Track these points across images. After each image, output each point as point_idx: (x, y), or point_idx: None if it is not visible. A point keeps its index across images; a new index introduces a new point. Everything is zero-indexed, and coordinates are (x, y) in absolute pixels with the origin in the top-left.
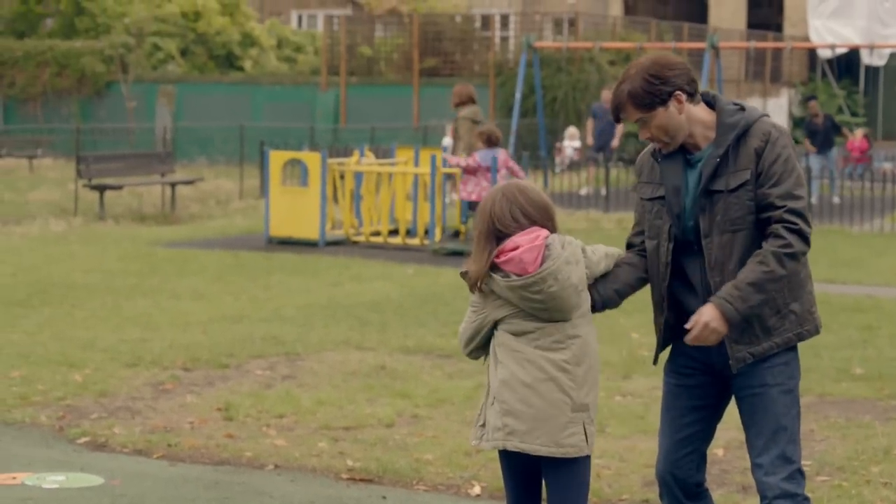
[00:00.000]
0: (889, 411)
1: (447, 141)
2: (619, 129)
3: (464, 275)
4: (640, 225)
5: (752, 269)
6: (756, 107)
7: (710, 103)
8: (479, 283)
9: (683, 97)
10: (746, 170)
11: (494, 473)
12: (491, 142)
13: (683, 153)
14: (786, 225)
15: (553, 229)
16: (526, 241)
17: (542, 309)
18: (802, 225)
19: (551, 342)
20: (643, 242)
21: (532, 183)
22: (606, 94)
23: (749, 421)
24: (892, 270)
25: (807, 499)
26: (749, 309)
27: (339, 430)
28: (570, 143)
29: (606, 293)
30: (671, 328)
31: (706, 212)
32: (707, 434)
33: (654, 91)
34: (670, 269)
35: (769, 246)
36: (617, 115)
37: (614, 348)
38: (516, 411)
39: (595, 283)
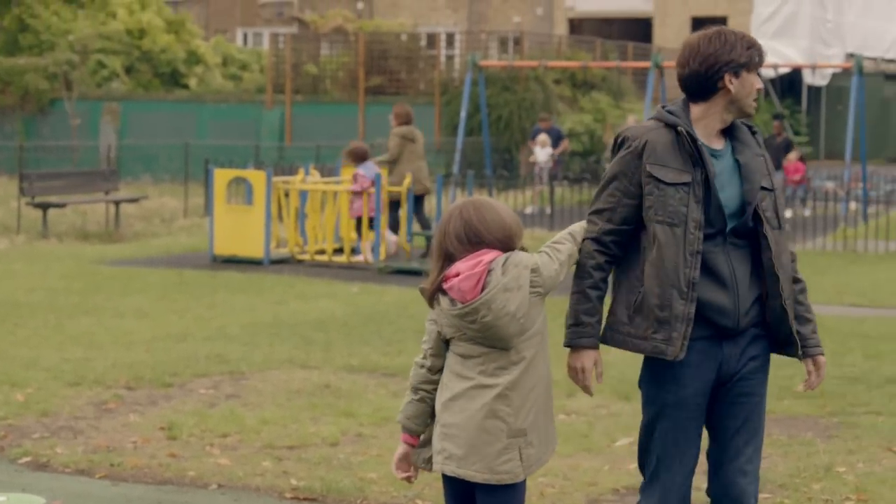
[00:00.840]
0: (830, 429)
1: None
2: (564, 146)
3: (422, 290)
4: (618, 215)
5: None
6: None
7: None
8: (431, 302)
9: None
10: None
11: (438, 492)
12: (361, 157)
13: (696, 142)
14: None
15: (510, 248)
16: (466, 269)
17: (481, 337)
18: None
19: (494, 368)
20: (614, 242)
21: (494, 200)
22: (543, 124)
23: (742, 427)
24: (834, 289)
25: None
26: None
27: (283, 448)
28: (542, 150)
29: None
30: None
31: (764, 208)
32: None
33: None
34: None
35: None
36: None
37: (558, 366)
38: (453, 436)
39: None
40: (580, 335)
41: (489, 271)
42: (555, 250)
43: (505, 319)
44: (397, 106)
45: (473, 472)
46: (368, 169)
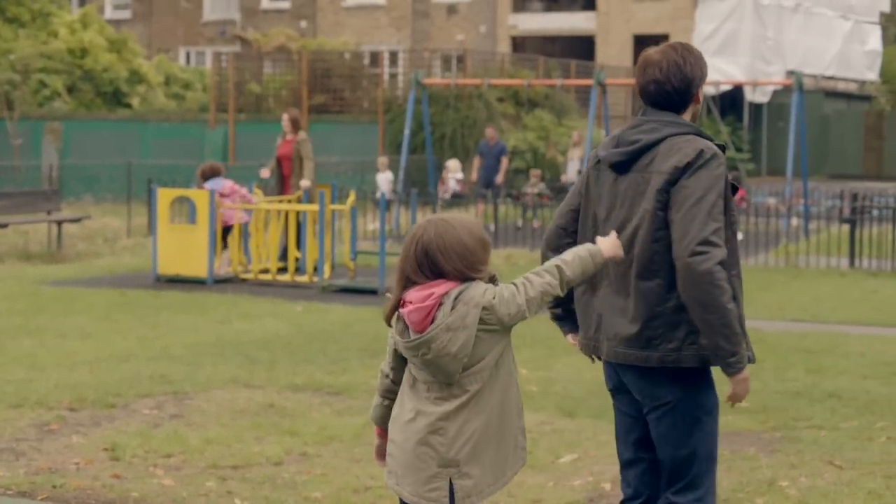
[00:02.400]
0: (773, 443)
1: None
2: (504, 165)
3: (385, 309)
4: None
5: None
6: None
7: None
8: (388, 321)
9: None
10: None
11: None
12: (206, 176)
13: None
14: None
15: (469, 277)
16: (417, 300)
17: (425, 368)
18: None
19: (436, 397)
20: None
21: (461, 218)
22: (490, 132)
23: None
24: (776, 304)
25: None
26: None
27: (227, 468)
28: (453, 175)
29: None
30: None
31: None
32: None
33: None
34: None
35: None
36: None
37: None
38: (395, 454)
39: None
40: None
41: (440, 305)
42: (527, 284)
43: (445, 359)
44: (296, 111)
45: (406, 493)
46: (215, 184)
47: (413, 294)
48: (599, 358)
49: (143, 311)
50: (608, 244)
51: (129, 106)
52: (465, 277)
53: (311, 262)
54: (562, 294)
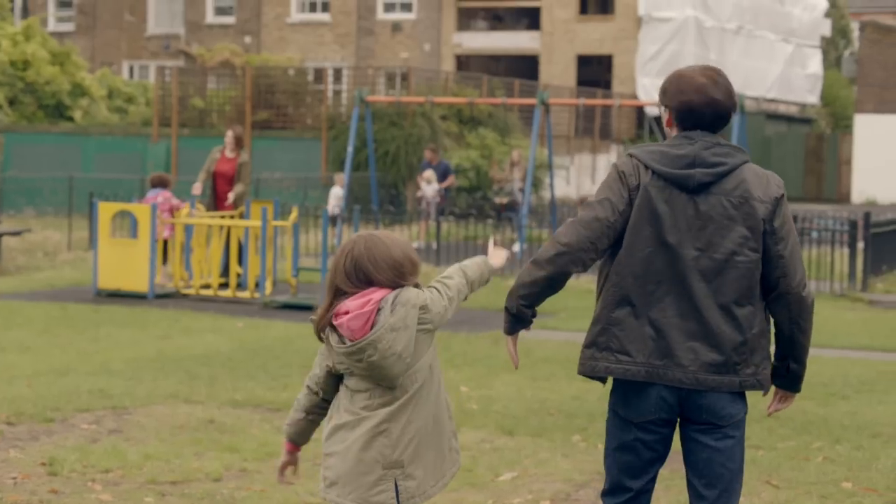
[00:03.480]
0: None
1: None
2: (450, 182)
3: (313, 321)
4: None
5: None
6: (657, 143)
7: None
8: (319, 334)
9: (667, 116)
10: None
11: None
12: (154, 184)
13: None
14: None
15: (400, 285)
16: (355, 308)
17: (368, 375)
18: (561, 230)
19: (379, 403)
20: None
21: (389, 235)
22: (429, 154)
23: None
24: None
25: None
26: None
27: (167, 484)
28: (429, 186)
29: None
30: None
31: None
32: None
33: (661, 90)
34: None
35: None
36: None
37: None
38: (335, 465)
39: None
40: None
41: (378, 310)
42: (444, 286)
43: (391, 359)
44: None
45: (350, 499)
46: (152, 193)
47: (349, 303)
48: (659, 384)
49: (83, 326)
50: (499, 258)
51: (71, 119)
52: (396, 284)
53: (253, 278)
54: (469, 293)
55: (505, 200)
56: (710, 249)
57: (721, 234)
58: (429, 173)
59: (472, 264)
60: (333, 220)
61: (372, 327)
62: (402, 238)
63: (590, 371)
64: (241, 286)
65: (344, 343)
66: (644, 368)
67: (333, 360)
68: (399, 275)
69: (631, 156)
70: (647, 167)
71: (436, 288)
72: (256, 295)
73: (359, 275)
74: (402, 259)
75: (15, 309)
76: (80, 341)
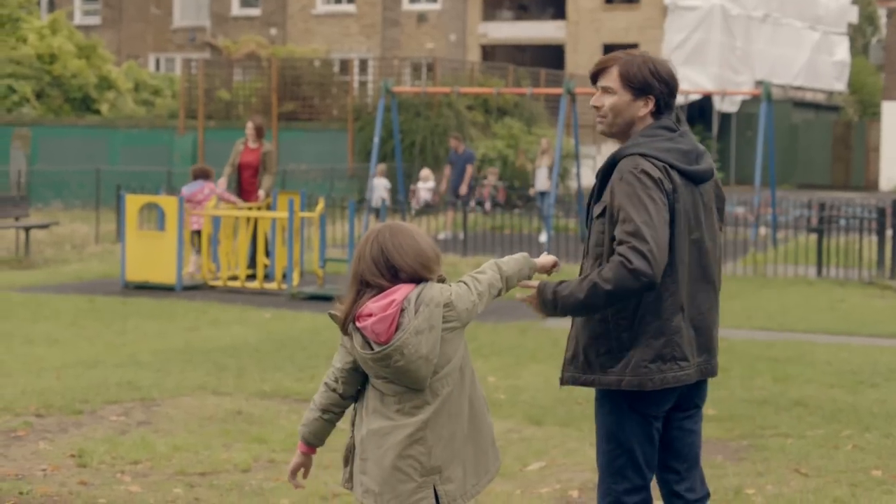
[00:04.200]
0: (740, 451)
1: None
2: (468, 173)
3: (333, 317)
4: None
5: (572, 288)
6: (676, 141)
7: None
8: (345, 329)
9: (652, 105)
10: (604, 203)
11: None
12: (196, 176)
13: None
14: (623, 260)
15: (425, 277)
16: (378, 310)
17: (395, 378)
18: (639, 264)
19: (410, 407)
20: None
21: (411, 226)
22: (454, 143)
23: None
24: (744, 313)
25: None
26: (560, 314)
27: (195, 475)
28: (424, 184)
29: None
30: None
31: (589, 234)
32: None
33: (646, 78)
34: None
35: (594, 273)
36: (596, 73)
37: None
38: (371, 472)
39: None
40: None
41: (402, 311)
42: (475, 280)
43: (418, 363)
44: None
45: None
46: (192, 187)
47: (372, 305)
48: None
49: (111, 318)
50: (543, 260)
51: (97, 112)
52: (419, 278)
53: (280, 269)
54: (503, 289)
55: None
56: (713, 238)
57: (711, 219)
58: (425, 172)
59: (509, 259)
60: (377, 212)
61: (397, 329)
62: (422, 231)
63: (660, 384)
64: (268, 277)
65: (371, 348)
66: (696, 369)
67: (358, 359)
68: (423, 265)
69: (652, 159)
70: (672, 167)
71: (465, 282)
72: (284, 286)
73: (384, 262)
74: (427, 248)
75: (43, 302)
76: (108, 333)
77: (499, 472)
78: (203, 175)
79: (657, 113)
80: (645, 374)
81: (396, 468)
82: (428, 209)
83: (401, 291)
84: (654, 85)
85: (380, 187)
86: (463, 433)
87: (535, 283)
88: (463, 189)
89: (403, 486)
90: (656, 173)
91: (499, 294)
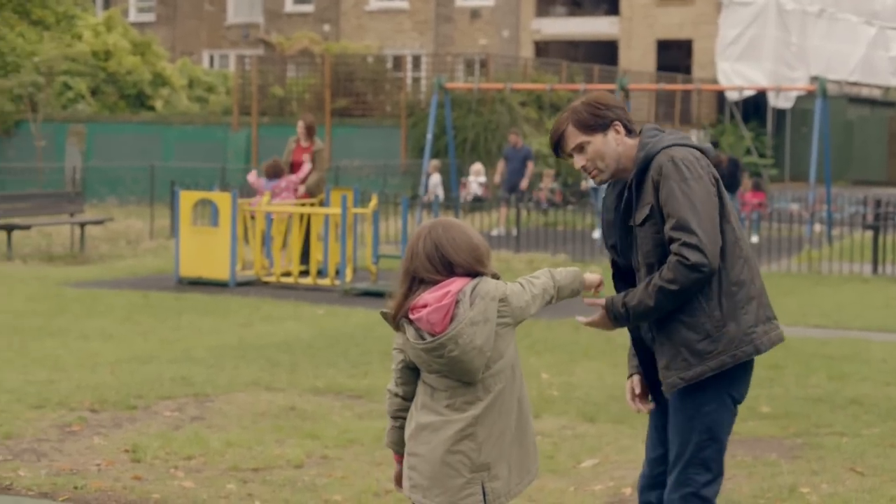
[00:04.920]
0: (795, 449)
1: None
2: (529, 169)
3: (384, 315)
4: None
5: (640, 297)
6: (677, 134)
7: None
8: (397, 326)
9: (622, 128)
10: (648, 204)
11: None
12: (270, 174)
13: (625, 184)
14: (679, 258)
15: (478, 272)
16: (433, 300)
17: (448, 371)
18: (695, 258)
19: (461, 402)
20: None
21: (461, 222)
22: (514, 138)
23: (669, 441)
24: (799, 310)
25: None
26: (636, 324)
27: (248, 471)
28: (475, 178)
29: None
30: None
31: (632, 247)
32: None
33: (597, 115)
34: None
35: (658, 278)
36: (556, 144)
37: None
38: (420, 467)
39: None
40: None
41: (457, 303)
42: (529, 283)
43: (472, 354)
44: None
45: (437, 503)
46: (267, 184)
47: (427, 296)
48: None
49: (165, 313)
50: (591, 278)
51: (152, 108)
52: (474, 272)
53: (333, 265)
54: (555, 297)
55: (549, 187)
56: None
57: None
58: (477, 166)
59: (563, 271)
60: (430, 207)
61: (451, 321)
62: (471, 227)
63: (769, 345)
64: (321, 274)
65: (423, 338)
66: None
67: (409, 355)
68: (477, 259)
69: (682, 147)
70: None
71: (520, 283)
72: (337, 282)
73: (439, 258)
74: (479, 243)
75: (98, 297)
76: (161, 329)
77: (553, 469)
78: (277, 173)
79: (629, 132)
80: (755, 338)
81: (446, 463)
82: (478, 203)
83: (456, 284)
84: (609, 114)
85: (434, 183)
86: (511, 432)
87: (600, 300)
88: (524, 184)
89: (452, 482)
90: (691, 156)
91: (550, 301)
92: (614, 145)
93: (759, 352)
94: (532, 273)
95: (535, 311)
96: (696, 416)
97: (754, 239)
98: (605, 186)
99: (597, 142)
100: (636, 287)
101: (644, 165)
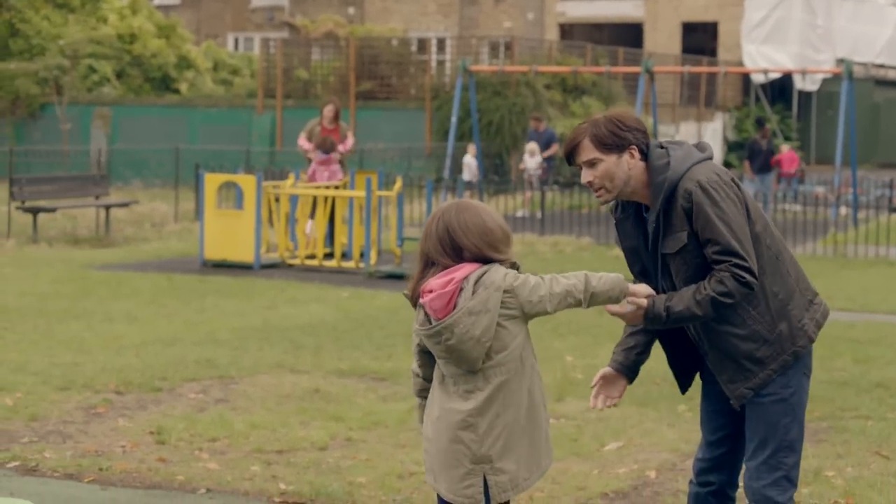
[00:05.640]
0: (819, 433)
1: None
2: (552, 152)
3: (406, 295)
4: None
5: (687, 304)
6: (685, 149)
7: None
8: (415, 305)
9: (637, 152)
10: (683, 231)
11: (427, 497)
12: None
13: (637, 209)
14: (734, 275)
15: (490, 258)
16: (438, 287)
17: (448, 358)
18: (749, 278)
19: (464, 390)
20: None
21: (481, 204)
22: (534, 123)
23: (746, 428)
24: (824, 293)
25: None
26: (666, 327)
27: (272, 453)
28: (531, 158)
29: (627, 362)
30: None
31: (668, 274)
32: (739, 439)
33: (617, 135)
34: None
35: (711, 289)
36: (570, 153)
37: (548, 371)
38: (430, 451)
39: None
40: None
41: (461, 290)
42: (555, 280)
43: (469, 344)
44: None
45: (442, 490)
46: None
47: (433, 282)
48: None
49: (190, 296)
50: (638, 289)
51: (177, 91)
52: (484, 258)
53: (358, 248)
54: (584, 302)
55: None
56: None
57: None
58: (532, 145)
59: (603, 276)
60: (469, 185)
61: (455, 307)
62: (494, 210)
63: (818, 328)
64: (345, 256)
65: (429, 323)
66: None
67: (421, 339)
68: (489, 244)
69: (703, 167)
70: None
71: (541, 277)
72: (361, 265)
73: (449, 241)
74: (494, 227)
75: (123, 279)
76: (186, 311)
77: (577, 452)
78: (330, 149)
79: (644, 156)
80: (808, 330)
81: (448, 451)
82: (504, 186)
83: (462, 270)
84: (628, 137)
85: (471, 166)
86: (520, 425)
87: (642, 301)
88: (540, 171)
89: (454, 471)
90: (714, 175)
91: (577, 305)
92: (626, 168)
93: (812, 341)
94: (567, 273)
95: (554, 309)
96: (777, 402)
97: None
98: None
99: (609, 162)
100: (678, 292)
101: (669, 193)
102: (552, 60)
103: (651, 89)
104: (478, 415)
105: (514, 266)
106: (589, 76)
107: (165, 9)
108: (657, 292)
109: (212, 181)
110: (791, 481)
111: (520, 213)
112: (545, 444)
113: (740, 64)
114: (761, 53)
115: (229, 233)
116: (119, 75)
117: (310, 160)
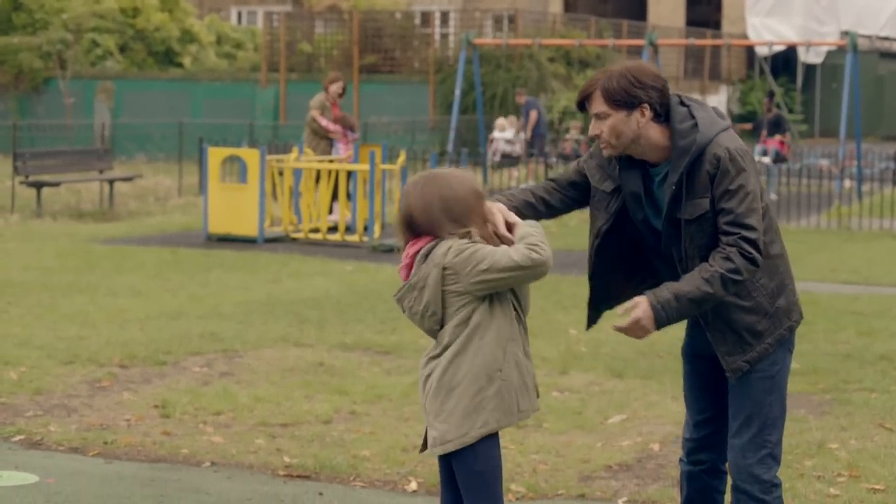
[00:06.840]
0: (823, 405)
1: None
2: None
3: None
4: (568, 179)
5: (696, 284)
6: (707, 112)
7: (668, 115)
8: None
9: (648, 111)
10: (704, 198)
11: (431, 469)
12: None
13: (643, 162)
14: (741, 251)
15: (438, 233)
16: (403, 259)
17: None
18: (756, 254)
19: (430, 356)
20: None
21: (453, 173)
22: (518, 98)
23: (730, 405)
24: (828, 266)
25: (775, 485)
26: (681, 319)
27: (277, 426)
28: (501, 134)
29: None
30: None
31: (678, 239)
32: (725, 418)
33: (629, 92)
34: (621, 257)
35: (718, 266)
36: (582, 102)
37: (552, 344)
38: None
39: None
40: None
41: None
42: (513, 251)
43: (415, 318)
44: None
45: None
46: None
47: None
48: None
49: (194, 270)
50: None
51: (180, 65)
52: (433, 233)
53: (362, 221)
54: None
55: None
56: None
57: None
58: (501, 121)
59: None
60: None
61: None
62: (464, 173)
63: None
64: (349, 230)
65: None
66: None
67: None
68: (449, 218)
69: (730, 135)
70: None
71: (495, 249)
72: (365, 239)
73: (405, 219)
74: (461, 197)
75: (127, 254)
76: (190, 285)
77: (581, 425)
78: (349, 127)
79: (657, 115)
80: (799, 305)
81: (425, 410)
82: (506, 161)
83: (416, 244)
84: (641, 95)
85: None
86: (460, 391)
87: (643, 305)
88: (527, 134)
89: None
90: (741, 144)
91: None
92: (634, 126)
93: (802, 316)
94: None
95: (504, 284)
96: (766, 380)
97: (773, 196)
98: None
99: (618, 118)
100: (681, 279)
101: (696, 157)
102: (556, 33)
103: (655, 62)
104: (431, 376)
105: (466, 234)
106: (593, 49)
107: None
108: (661, 256)
109: (215, 155)
110: (775, 458)
111: (524, 185)
112: (475, 413)
113: (744, 36)
114: (765, 26)
115: (233, 207)
116: (122, 49)
117: (330, 140)
